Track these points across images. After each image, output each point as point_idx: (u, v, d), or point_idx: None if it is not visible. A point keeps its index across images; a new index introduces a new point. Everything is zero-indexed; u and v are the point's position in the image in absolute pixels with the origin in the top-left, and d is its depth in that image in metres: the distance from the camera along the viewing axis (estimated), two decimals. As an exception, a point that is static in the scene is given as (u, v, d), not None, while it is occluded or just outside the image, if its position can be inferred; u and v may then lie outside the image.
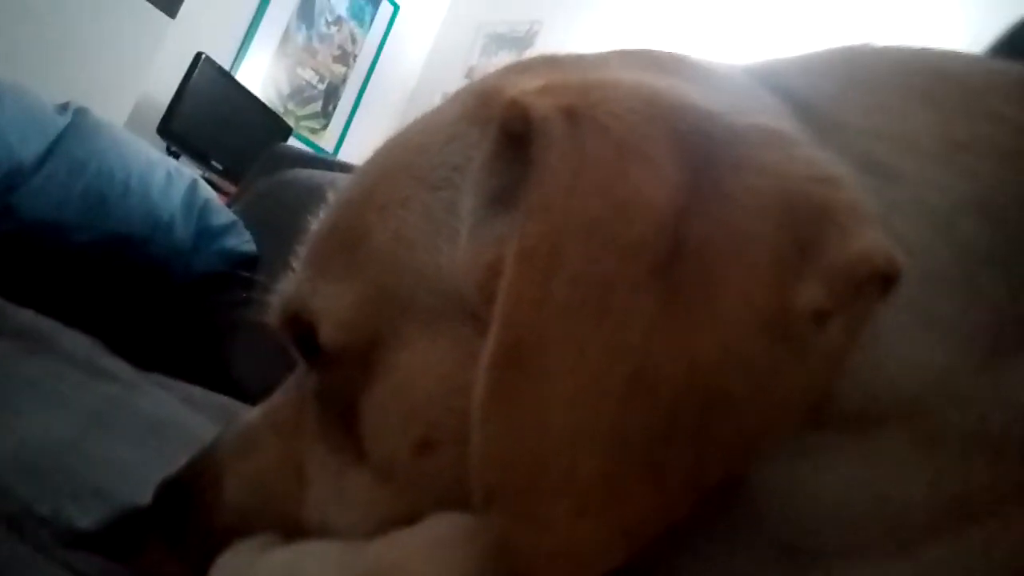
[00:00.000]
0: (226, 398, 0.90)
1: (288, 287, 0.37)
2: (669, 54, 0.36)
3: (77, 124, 1.10)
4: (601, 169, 0.26)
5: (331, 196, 0.38)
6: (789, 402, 0.24)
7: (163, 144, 2.64)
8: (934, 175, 0.28)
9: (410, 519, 0.31)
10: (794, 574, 0.28)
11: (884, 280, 0.24)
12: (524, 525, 0.24)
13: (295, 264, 0.37)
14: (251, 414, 0.40)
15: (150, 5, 2.47)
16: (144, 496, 0.40)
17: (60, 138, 1.06)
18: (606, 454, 0.23)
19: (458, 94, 0.37)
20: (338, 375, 0.34)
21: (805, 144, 0.27)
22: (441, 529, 0.29)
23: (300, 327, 0.35)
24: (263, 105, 3.16)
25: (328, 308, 0.34)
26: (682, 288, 0.24)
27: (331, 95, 3.77)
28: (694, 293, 0.24)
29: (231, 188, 2.34)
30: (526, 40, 3.71)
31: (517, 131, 0.29)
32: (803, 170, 0.25)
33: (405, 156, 0.35)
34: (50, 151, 1.05)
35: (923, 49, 0.34)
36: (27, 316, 0.78)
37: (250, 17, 3.35)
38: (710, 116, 0.27)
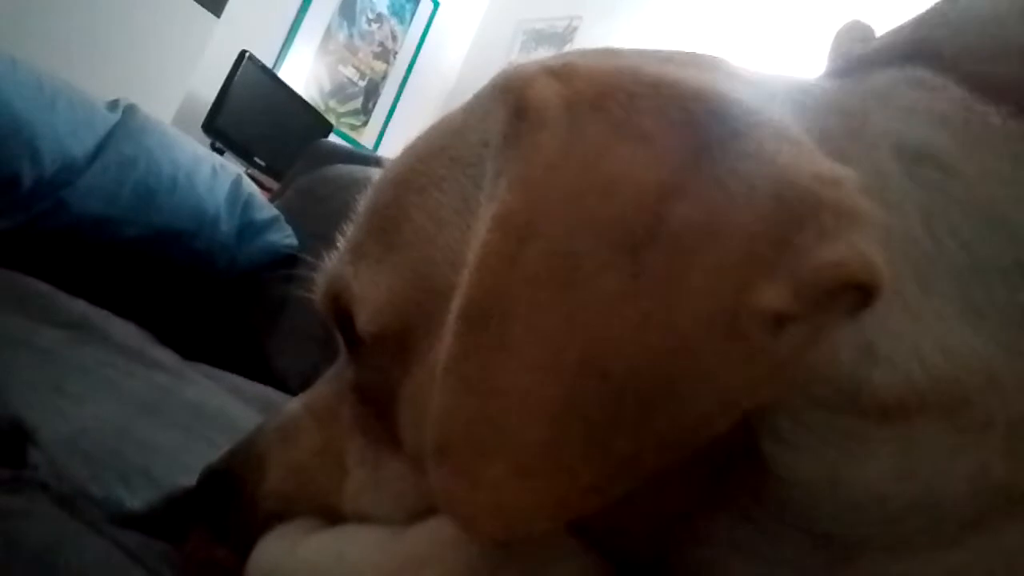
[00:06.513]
0: (268, 388, 0.92)
1: (330, 269, 0.37)
2: (712, 56, 0.36)
3: (126, 121, 1.12)
4: (592, 146, 0.25)
5: (376, 177, 0.39)
6: (729, 403, 0.23)
7: (208, 141, 2.69)
8: (993, 166, 0.28)
9: (445, 508, 0.31)
10: (831, 565, 0.27)
11: (860, 291, 0.22)
12: (462, 480, 0.24)
13: (339, 244, 0.38)
14: (292, 404, 0.41)
15: (196, 4, 2.52)
16: (190, 480, 0.41)
17: (110, 135, 1.09)
18: (551, 425, 0.23)
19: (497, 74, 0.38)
20: (375, 365, 0.34)
21: (815, 147, 0.26)
22: None
23: (341, 313, 0.35)
24: (305, 102, 3.19)
25: (365, 293, 0.34)
26: (649, 271, 0.23)
27: (371, 92, 3.81)
28: (659, 277, 0.23)
29: (273, 184, 2.37)
30: (565, 36, 3.70)
31: (521, 107, 0.29)
32: (804, 165, 0.24)
33: (444, 137, 0.35)
34: (101, 148, 1.07)
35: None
36: (80, 306, 0.80)
37: (293, 15, 3.40)
38: (724, 104, 0.26)
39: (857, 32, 0.37)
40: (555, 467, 0.23)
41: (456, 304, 0.26)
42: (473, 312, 0.25)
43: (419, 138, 0.38)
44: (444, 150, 0.34)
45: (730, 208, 0.23)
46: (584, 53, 0.37)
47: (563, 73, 0.29)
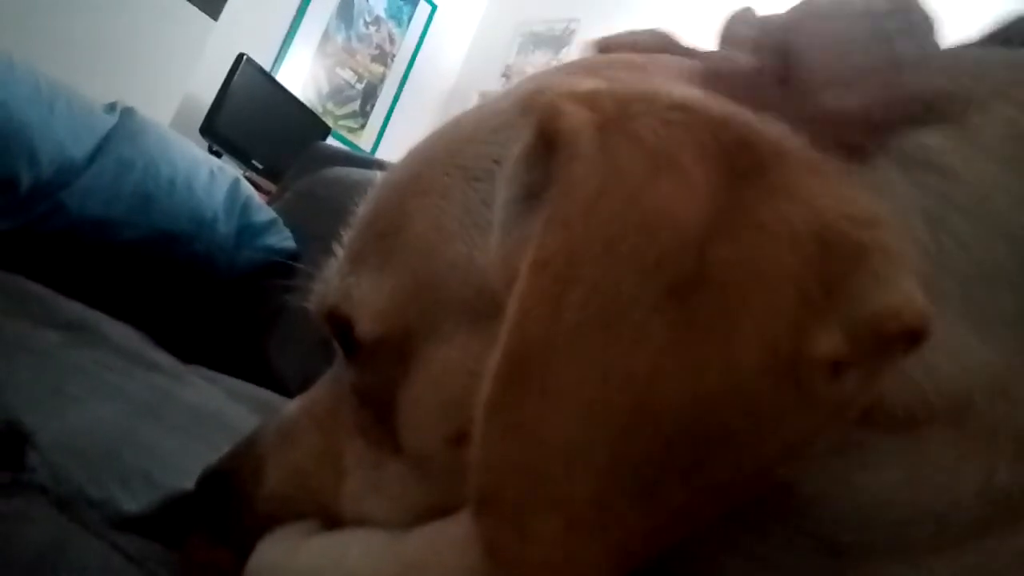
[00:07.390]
0: (266, 391, 0.92)
1: (329, 275, 0.37)
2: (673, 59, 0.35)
3: (124, 124, 1.12)
4: (629, 180, 0.25)
5: (378, 179, 0.38)
6: (789, 447, 0.23)
7: (205, 144, 2.69)
8: (993, 172, 0.28)
9: (445, 511, 0.31)
10: (836, 570, 0.27)
11: (912, 337, 0.23)
12: (512, 534, 0.24)
13: (337, 250, 0.37)
14: (290, 407, 0.41)
15: (193, 8, 2.52)
16: (190, 482, 0.41)
17: (108, 137, 1.09)
18: (600, 476, 0.23)
19: (514, 86, 0.37)
20: (375, 369, 0.34)
21: (848, 178, 0.26)
22: None
23: (339, 318, 0.35)
24: (302, 105, 3.19)
25: (365, 299, 0.34)
26: (698, 316, 0.23)
27: (369, 95, 3.81)
28: (710, 323, 0.23)
29: (271, 187, 2.37)
30: (563, 39, 3.70)
31: (550, 135, 0.28)
32: (843, 206, 0.24)
33: (452, 144, 0.35)
34: (99, 150, 1.07)
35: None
36: (77, 308, 0.80)
37: (290, 18, 3.40)
38: (748, 131, 0.26)
39: (750, 18, 0.36)
40: (607, 519, 0.23)
41: (496, 351, 0.25)
42: (515, 360, 0.24)
43: (423, 143, 0.37)
44: (451, 158, 0.34)
45: (773, 250, 0.23)
46: (557, 71, 0.37)
47: (589, 98, 0.28)
